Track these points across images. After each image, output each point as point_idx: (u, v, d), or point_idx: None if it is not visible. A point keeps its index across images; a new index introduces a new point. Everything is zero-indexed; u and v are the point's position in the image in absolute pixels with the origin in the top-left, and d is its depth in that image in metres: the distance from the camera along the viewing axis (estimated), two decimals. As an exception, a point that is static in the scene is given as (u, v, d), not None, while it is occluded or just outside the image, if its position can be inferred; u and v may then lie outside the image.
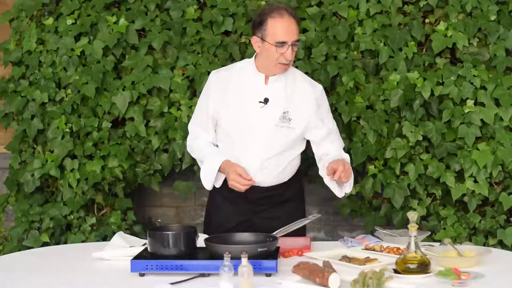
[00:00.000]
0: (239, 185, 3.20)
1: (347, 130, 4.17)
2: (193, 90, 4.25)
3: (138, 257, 2.80)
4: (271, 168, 3.28)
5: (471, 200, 4.04)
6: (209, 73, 4.12)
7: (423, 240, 3.26)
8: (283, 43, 3.17)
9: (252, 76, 3.29)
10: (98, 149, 4.25)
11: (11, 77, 4.36)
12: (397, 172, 4.08)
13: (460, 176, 4.05)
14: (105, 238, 4.16)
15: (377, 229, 3.38)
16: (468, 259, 2.82)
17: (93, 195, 4.25)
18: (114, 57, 4.28)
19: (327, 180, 3.26)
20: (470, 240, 4.01)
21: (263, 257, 2.70)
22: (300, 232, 3.29)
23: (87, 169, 4.21)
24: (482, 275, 2.65)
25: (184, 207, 4.64)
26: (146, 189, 4.52)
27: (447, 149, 4.06)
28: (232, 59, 4.21)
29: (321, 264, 2.67)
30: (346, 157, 3.34)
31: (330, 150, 3.35)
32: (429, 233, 3.41)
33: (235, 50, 4.23)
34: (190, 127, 3.48)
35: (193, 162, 4.20)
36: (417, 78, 4.05)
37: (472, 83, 4.03)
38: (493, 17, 4.12)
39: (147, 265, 2.73)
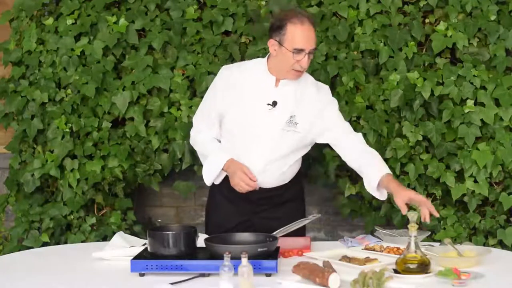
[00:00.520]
0: (243, 184, 3.18)
1: (347, 130, 4.17)
2: (193, 90, 4.25)
3: (138, 257, 2.80)
4: (272, 171, 3.27)
5: (471, 200, 4.04)
6: (209, 73, 4.15)
7: (423, 240, 3.26)
8: (300, 50, 3.13)
9: (263, 77, 3.26)
10: (98, 149, 4.25)
11: (11, 77, 4.36)
12: (397, 172, 4.08)
13: (460, 176, 4.05)
14: (105, 238, 4.16)
15: (377, 229, 3.38)
16: (468, 259, 2.82)
17: (93, 195, 4.25)
18: (114, 57, 4.28)
19: (372, 190, 3.19)
20: (470, 240, 4.01)
21: (263, 257, 2.70)
22: (300, 232, 3.28)
23: (87, 169, 4.21)
24: (482, 275, 2.65)
25: (184, 207, 4.64)
26: (146, 189, 4.52)
27: (447, 149, 4.06)
28: (232, 59, 4.21)
29: (321, 264, 2.67)
30: (376, 153, 3.27)
31: (355, 145, 3.28)
32: (429, 233, 3.41)
33: (235, 50, 4.23)
34: (194, 120, 3.45)
35: (193, 162, 4.21)
36: (417, 78, 4.05)
37: (472, 83, 4.04)
38: (493, 17, 4.12)
39: (147, 265, 2.73)
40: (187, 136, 4.11)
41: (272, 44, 3.20)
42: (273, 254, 2.78)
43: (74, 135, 4.26)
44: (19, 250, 3.95)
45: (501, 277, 2.70)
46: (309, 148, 3.39)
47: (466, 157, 4.01)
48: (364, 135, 4.06)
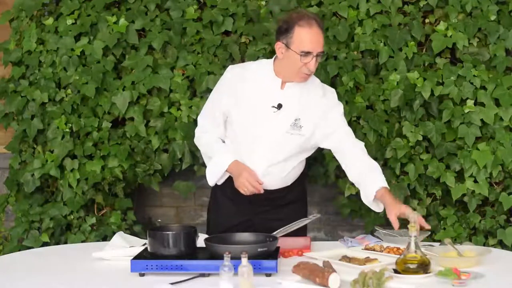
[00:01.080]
0: (249, 185, 3.16)
1: (347, 130, 4.17)
2: (193, 90, 4.25)
3: (138, 257, 2.80)
4: (275, 173, 3.27)
5: (471, 200, 4.04)
6: (209, 73, 4.15)
7: (423, 240, 3.26)
8: (308, 53, 3.10)
9: (269, 79, 3.23)
10: (98, 149, 4.25)
11: (11, 77, 4.36)
12: (397, 172, 4.08)
13: (460, 176, 4.05)
14: (105, 238, 4.16)
15: (377, 229, 3.38)
16: (468, 259, 2.82)
17: (93, 195, 4.25)
18: (114, 57, 4.28)
19: (370, 203, 3.19)
20: (470, 240, 4.02)
21: (263, 257, 2.70)
22: (301, 232, 3.28)
23: (87, 169, 4.21)
24: (482, 275, 2.65)
25: (184, 207, 4.64)
26: (146, 189, 4.52)
27: (447, 149, 4.06)
28: (232, 59, 4.21)
29: (321, 264, 2.67)
30: (376, 165, 3.27)
31: (356, 152, 3.28)
32: (429, 233, 3.41)
33: (235, 50, 4.23)
34: (199, 118, 3.42)
35: (193, 162, 4.21)
36: (417, 78, 4.05)
37: (472, 83, 4.04)
38: (493, 17, 4.12)
39: (147, 265, 2.73)
40: (187, 136, 4.12)
41: (279, 47, 3.16)
42: (273, 254, 2.78)
43: (74, 135, 4.26)
44: (19, 250, 3.94)
45: (501, 277, 2.70)
46: (312, 151, 3.37)
47: (466, 157, 4.01)
48: (364, 135, 4.07)
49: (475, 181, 4.03)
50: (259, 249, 2.71)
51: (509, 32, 4.12)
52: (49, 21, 4.34)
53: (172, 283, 2.62)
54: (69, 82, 4.25)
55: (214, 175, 3.31)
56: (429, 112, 4.11)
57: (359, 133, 4.10)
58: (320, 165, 4.23)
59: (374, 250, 3.02)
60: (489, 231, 4.05)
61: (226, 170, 3.27)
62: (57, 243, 4.20)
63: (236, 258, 2.51)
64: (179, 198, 4.58)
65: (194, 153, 4.17)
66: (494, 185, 4.07)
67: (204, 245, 2.82)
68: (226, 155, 3.27)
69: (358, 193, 4.17)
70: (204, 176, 3.42)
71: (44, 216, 4.21)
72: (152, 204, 4.65)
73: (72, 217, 4.22)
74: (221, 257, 2.52)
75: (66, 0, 4.34)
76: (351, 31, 4.22)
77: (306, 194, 3.54)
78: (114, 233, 3.56)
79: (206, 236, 2.96)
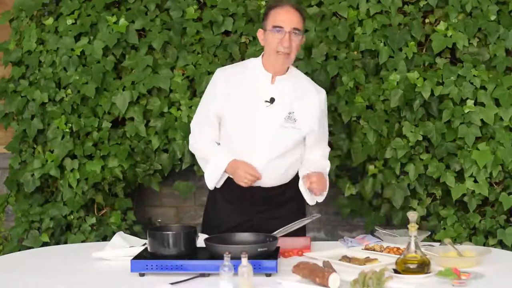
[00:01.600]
0: (248, 175, 3.17)
1: (347, 130, 4.17)
2: (193, 90, 4.25)
3: (138, 257, 2.80)
4: (274, 169, 3.27)
5: (471, 200, 4.04)
6: (209, 73, 4.15)
7: (423, 240, 3.26)
8: (280, 28, 3.18)
9: (259, 75, 3.28)
10: (98, 149, 4.25)
11: (11, 77, 4.37)
12: (397, 172, 4.09)
13: (460, 176, 4.05)
14: (105, 238, 4.16)
15: (377, 229, 3.38)
16: (468, 259, 2.82)
17: (93, 195, 4.25)
18: (114, 57, 4.28)
19: (302, 186, 3.30)
20: (470, 240, 4.02)
21: (263, 257, 2.70)
22: (300, 232, 3.28)
23: (87, 169, 4.21)
24: (482, 275, 2.65)
25: (184, 207, 4.64)
26: (146, 189, 4.52)
27: (447, 149, 4.06)
28: (232, 59, 4.21)
29: (321, 264, 2.67)
30: (327, 165, 3.43)
31: (316, 156, 3.39)
32: (429, 233, 3.41)
33: (235, 50, 4.23)
34: (192, 125, 3.43)
35: (193, 162, 4.20)
36: (417, 78, 4.05)
37: (472, 83, 4.04)
38: (493, 17, 4.12)
39: (147, 265, 2.73)
40: (187, 136, 4.11)
41: (260, 34, 3.28)
42: (273, 254, 2.78)
43: (74, 135, 4.26)
44: (19, 250, 3.95)
45: (501, 277, 2.69)
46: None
47: (466, 157, 4.01)
48: (364, 135, 4.08)
49: (475, 181, 4.03)
50: (259, 249, 2.71)
51: (509, 32, 4.12)
52: (49, 21, 4.34)
53: (172, 283, 2.61)
54: (69, 82, 4.25)
55: (213, 178, 3.31)
56: (429, 112, 4.11)
57: (359, 133, 4.11)
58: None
59: (374, 250, 3.02)
60: (489, 231, 4.05)
61: (224, 171, 3.27)
62: (57, 243, 4.20)
63: (236, 258, 2.51)
64: (179, 198, 4.58)
65: (194, 153, 4.17)
66: (494, 185, 4.07)
67: (204, 245, 2.82)
68: (223, 155, 3.28)
69: (358, 193, 4.20)
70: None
71: (44, 216, 4.21)
72: (152, 204, 4.65)
73: (72, 217, 4.22)
74: (221, 257, 2.52)
75: (66, 0, 4.34)
76: (351, 31, 4.22)
77: None
78: (114, 233, 3.55)
79: (206, 236, 2.95)
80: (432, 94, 4.04)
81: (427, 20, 4.23)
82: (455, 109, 4.02)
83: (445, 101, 4.06)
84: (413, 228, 2.70)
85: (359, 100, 4.12)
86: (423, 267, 2.66)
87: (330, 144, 4.12)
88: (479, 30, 4.14)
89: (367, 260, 2.85)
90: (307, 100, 3.30)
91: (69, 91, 4.28)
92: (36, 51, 4.32)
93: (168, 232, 2.80)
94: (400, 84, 4.08)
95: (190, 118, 4.15)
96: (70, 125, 4.23)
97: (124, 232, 3.54)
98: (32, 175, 4.23)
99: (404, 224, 4.05)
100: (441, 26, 4.13)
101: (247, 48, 4.24)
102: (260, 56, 3.32)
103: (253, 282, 2.49)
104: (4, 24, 4.47)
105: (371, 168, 4.11)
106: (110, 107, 4.22)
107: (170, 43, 4.29)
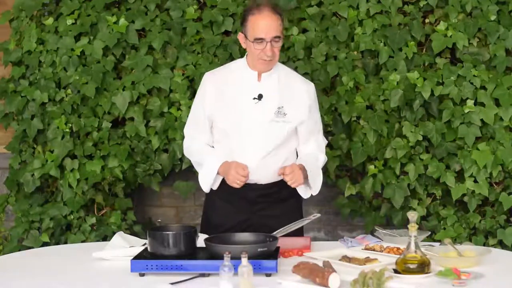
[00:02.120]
0: (239, 176, 3.18)
1: (347, 130, 4.17)
2: (193, 90, 4.25)
3: (138, 257, 2.80)
4: (269, 165, 3.28)
5: (471, 200, 4.04)
6: (209, 73, 4.15)
7: (423, 240, 3.26)
8: (261, 40, 3.18)
9: (245, 74, 3.30)
10: (98, 149, 4.25)
11: (11, 77, 4.37)
12: (397, 172, 4.08)
13: (460, 176, 4.05)
14: (105, 238, 4.16)
15: (377, 229, 3.38)
16: (468, 259, 2.82)
17: (93, 195, 4.25)
18: (114, 57, 4.28)
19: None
20: (470, 240, 4.02)
21: (263, 257, 2.70)
22: (298, 232, 3.28)
23: (87, 169, 4.21)
24: (482, 275, 2.65)
25: (184, 207, 4.64)
26: (146, 189, 4.52)
27: (447, 149, 4.06)
28: (232, 59, 4.20)
29: (321, 264, 2.67)
30: (322, 158, 3.41)
31: (310, 149, 3.39)
32: (429, 233, 3.41)
33: (235, 50, 4.24)
34: (186, 130, 3.47)
35: (193, 162, 4.21)
36: (417, 78, 4.05)
37: (472, 83, 4.04)
38: (493, 17, 4.12)
39: (147, 265, 2.73)
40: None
41: (241, 37, 3.28)
42: (273, 254, 2.78)
43: (74, 135, 4.26)
44: (19, 250, 3.95)
45: (501, 277, 2.69)
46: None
47: (466, 157, 4.01)
48: (364, 135, 4.08)
49: (475, 181, 4.03)
50: (259, 249, 2.71)
51: (509, 32, 4.12)
52: (49, 21, 4.34)
53: (172, 283, 2.61)
54: (69, 82, 4.25)
55: (207, 181, 3.32)
56: (429, 112, 4.11)
57: (359, 133, 4.11)
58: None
59: (374, 250, 3.02)
60: (489, 231, 4.05)
61: (218, 173, 3.29)
62: (57, 243, 4.20)
63: (236, 258, 2.51)
64: (179, 198, 4.58)
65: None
66: (494, 185, 4.07)
67: (204, 245, 2.82)
68: (215, 158, 3.30)
69: (358, 193, 4.20)
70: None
71: (44, 216, 4.21)
72: (152, 204, 4.65)
73: (72, 217, 4.22)
74: (221, 257, 2.52)
75: (66, 0, 4.34)
76: (351, 31, 4.22)
77: None
78: (114, 233, 3.55)
79: (206, 236, 2.96)
80: (432, 94, 4.04)
81: (427, 20, 4.23)
82: (455, 109, 4.02)
83: (445, 101, 4.06)
84: (413, 228, 2.70)
85: (359, 100, 4.12)
86: (423, 267, 2.66)
87: (330, 144, 4.14)
88: (479, 30, 4.14)
89: (367, 260, 2.85)
90: (295, 92, 3.33)
91: (69, 91, 4.28)
92: (36, 51, 4.32)
93: (168, 232, 2.80)
94: (400, 84, 4.08)
95: (190, 118, 4.16)
96: (70, 125, 4.23)
97: (124, 232, 3.54)
98: (32, 175, 4.23)
99: (404, 224, 4.06)
100: (441, 26, 4.13)
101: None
102: (245, 56, 3.34)
103: (253, 282, 2.49)
104: (4, 24, 4.47)
105: (371, 168, 4.11)
106: (110, 107, 4.22)
107: (170, 43, 4.29)
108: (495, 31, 4.11)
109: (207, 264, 2.70)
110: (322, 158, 3.42)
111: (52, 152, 4.23)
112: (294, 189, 3.37)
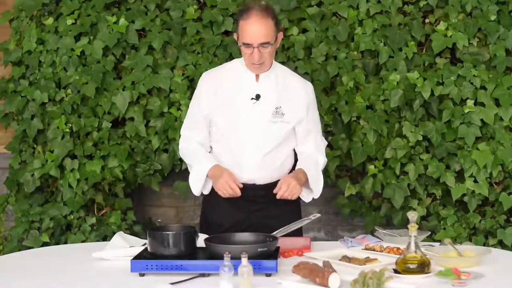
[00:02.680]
0: (228, 187, 3.16)
1: (347, 130, 4.17)
2: (193, 90, 4.23)
3: (138, 257, 2.80)
4: (268, 165, 3.28)
5: (471, 200, 4.04)
6: (209, 73, 4.15)
7: (423, 240, 3.26)
8: (248, 45, 3.16)
9: (243, 74, 3.30)
10: (98, 149, 4.25)
11: (11, 77, 4.37)
12: (397, 172, 4.09)
13: (460, 176, 4.05)
14: (105, 238, 4.16)
15: (377, 229, 3.38)
16: (468, 259, 2.82)
17: (93, 195, 4.25)
18: (114, 57, 4.28)
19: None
20: (470, 240, 4.02)
21: (263, 257, 2.70)
22: (297, 233, 3.27)
23: (87, 169, 4.21)
24: (482, 275, 2.65)
25: (184, 207, 4.64)
26: (146, 189, 4.52)
27: (447, 149, 4.06)
28: (232, 59, 4.19)
29: (321, 264, 2.67)
30: (322, 160, 3.39)
31: (309, 149, 3.38)
32: (429, 233, 3.41)
33: (235, 50, 4.23)
34: (182, 130, 3.46)
35: (193, 162, 4.21)
36: (417, 78, 4.05)
37: (472, 83, 4.04)
38: (493, 17, 4.12)
39: (147, 265, 2.72)
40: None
41: (236, 39, 3.27)
42: (273, 254, 2.78)
43: (74, 135, 4.26)
44: (19, 250, 3.95)
45: (501, 277, 2.69)
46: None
47: (466, 157, 4.01)
48: (364, 135, 4.07)
49: (475, 181, 4.03)
50: (259, 249, 2.71)
51: (509, 32, 4.12)
52: (49, 21, 4.34)
53: (172, 283, 2.61)
54: (69, 82, 4.26)
55: (196, 184, 3.31)
56: (429, 112, 4.11)
57: (359, 133, 4.11)
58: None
59: (374, 250, 3.02)
60: (489, 231, 4.05)
61: (208, 176, 3.26)
62: (57, 243, 4.21)
63: (236, 258, 2.51)
64: (179, 198, 4.58)
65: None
66: (494, 185, 4.08)
67: (204, 245, 2.82)
68: (206, 161, 3.28)
69: (358, 193, 4.20)
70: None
71: (44, 216, 4.21)
72: (152, 204, 4.65)
73: (72, 217, 4.22)
74: (221, 257, 2.52)
75: (66, 0, 4.34)
76: (351, 31, 4.22)
77: None
78: (114, 233, 3.55)
79: (206, 236, 2.95)
80: (432, 94, 4.04)
81: (427, 20, 4.23)
82: (455, 109, 4.02)
83: (445, 101, 4.06)
84: (413, 228, 2.70)
85: (359, 100, 4.12)
86: (423, 267, 2.66)
87: (330, 144, 4.14)
88: (479, 30, 4.14)
89: (367, 260, 2.85)
90: (293, 91, 3.32)
91: (69, 91, 4.28)
92: (36, 51, 4.32)
93: (168, 232, 2.80)
94: (400, 84, 4.08)
95: (190, 118, 4.16)
96: (70, 125, 4.23)
97: (124, 232, 3.54)
98: (32, 175, 4.23)
99: (404, 224, 4.06)
100: (441, 26, 4.13)
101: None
102: (243, 56, 3.32)
103: (253, 282, 2.49)
104: (4, 24, 4.47)
105: (371, 168, 4.11)
106: (110, 107, 4.22)
107: (170, 43, 4.29)
108: (495, 31, 4.11)
109: (207, 264, 2.70)
110: (322, 161, 3.42)
111: (52, 152, 4.23)
112: None
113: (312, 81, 4.06)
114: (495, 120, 4.00)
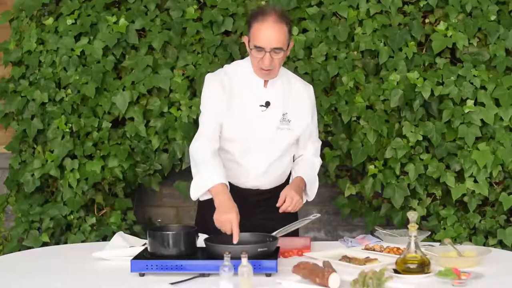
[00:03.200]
0: (230, 229, 2.91)
1: (347, 130, 4.17)
2: (193, 90, 4.25)
3: (138, 257, 2.80)
4: (273, 171, 3.27)
5: (471, 200, 4.04)
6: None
7: (423, 240, 3.26)
8: (260, 49, 3.07)
9: (251, 80, 3.22)
10: (98, 149, 4.25)
11: (11, 77, 4.37)
12: (397, 172, 4.09)
13: (460, 176, 4.05)
14: (105, 238, 4.16)
15: (377, 229, 3.38)
16: (468, 259, 2.82)
17: (93, 195, 4.25)
18: (114, 57, 4.28)
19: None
20: (470, 240, 4.02)
21: (263, 257, 2.70)
22: (294, 233, 3.27)
23: (87, 169, 4.21)
24: (482, 275, 2.65)
25: (184, 207, 4.64)
26: (146, 189, 4.52)
27: (447, 149, 4.06)
28: (232, 59, 4.21)
29: (321, 264, 2.67)
30: (318, 162, 3.40)
31: (308, 152, 3.37)
32: (429, 233, 3.41)
33: (235, 50, 4.24)
34: (200, 138, 3.18)
35: (193, 162, 4.21)
36: (417, 78, 4.05)
37: (472, 83, 4.04)
38: (493, 17, 4.13)
39: (147, 265, 2.73)
40: (187, 136, 4.12)
41: (246, 41, 3.18)
42: (273, 254, 2.78)
43: (74, 135, 4.26)
44: (19, 250, 3.95)
45: (501, 277, 2.69)
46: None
47: (466, 157, 4.01)
48: (364, 135, 4.08)
49: (475, 181, 4.03)
50: (259, 249, 2.71)
51: (509, 32, 4.12)
52: (49, 21, 4.34)
53: (172, 283, 2.62)
54: (69, 82, 4.26)
55: (198, 191, 3.13)
56: (429, 112, 4.11)
57: (359, 133, 4.11)
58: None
59: (374, 250, 3.02)
60: (489, 231, 4.05)
61: (210, 190, 3.06)
62: (57, 243, 4.21)
63: (236, 258, 2.51)
64: (179, 198, 4.57)
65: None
66: (494, 185, 4.08)
67: (204, 245, 2.82)
68: (217, 176, 3.06)
69: (358, 193, 4.20)
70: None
71: (44, 216, 4.21)
72: (152, 204, 4.65)
73: (72, 217, 4.22)
74: (221, 257, 2.52)
75: (66, 0, 4.34)
76: (351, 31, 4.22)
77: None
78: (114, 233, 3.55)
79: (206, 236, 2.95)
80: (432, 94, 4.04)
81: (427, 20, 4.23)
82: (455, 109, 4.02)
83: (445, 101, 4.06)
84: (413, 228, 2.70)
85: (359, 100, 4.12)
86: (423, 267, 2.66)
87: (330, 144, 4.14)
88: (479, 30, 4.14)
89: (367, 260, 2.85)
90: (298, 98, 3.29)
91: (69, 91, 4.28)
92: (36, 51, 4.32)
93: (168, 232, 2.80)
94: (400, 84, 4.08)
95: (190, 118, 4.16)
96: (70, 125, 4.23)
97: (124, 232, 3.54)
98: (32, 175, 4.23)
99: (404, 224, 4.06)
100: (441, 26, 4.14)
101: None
102: (248, 59, 3.23)
103: (253, 282, 2.49)
104: (4, 24, 4.47)
105: (371, 168, 4.11)
106: (110, 107, 4.22)
107: (170, 43, 4.29)
108: (495, 31, 4.11)
109: (207, 264, 2.70)
110: (318, 163, 3.41)
111: (52, 152, 4.23)
112: None
113: (312, 81, 4.07)
114: (495, 120, 4.00)
